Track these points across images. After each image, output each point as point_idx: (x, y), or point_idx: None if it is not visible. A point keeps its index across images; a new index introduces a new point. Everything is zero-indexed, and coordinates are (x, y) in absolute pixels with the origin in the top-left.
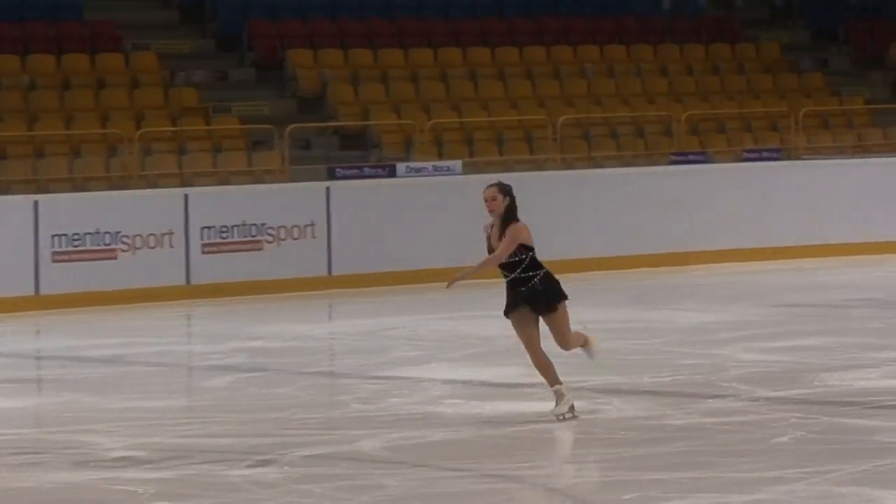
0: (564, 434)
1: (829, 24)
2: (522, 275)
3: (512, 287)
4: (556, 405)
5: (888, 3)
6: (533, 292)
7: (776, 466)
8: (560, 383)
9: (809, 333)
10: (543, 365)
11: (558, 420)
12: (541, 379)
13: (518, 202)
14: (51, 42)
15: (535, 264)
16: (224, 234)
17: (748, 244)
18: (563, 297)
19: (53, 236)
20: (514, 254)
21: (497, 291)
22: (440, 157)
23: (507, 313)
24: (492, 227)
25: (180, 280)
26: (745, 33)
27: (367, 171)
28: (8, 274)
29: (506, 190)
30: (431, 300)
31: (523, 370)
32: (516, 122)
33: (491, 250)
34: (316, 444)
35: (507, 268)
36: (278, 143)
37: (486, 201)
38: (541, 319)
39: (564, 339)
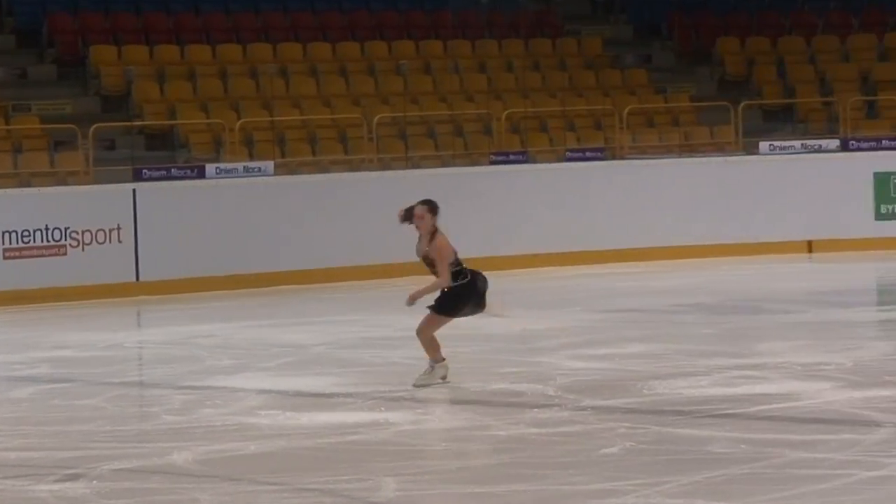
0: (384, 446)
1: (652, 19)
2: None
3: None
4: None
5: None
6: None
7: (605, 478)
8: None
9: (637, 340)
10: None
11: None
12: (358, 388)
13: (332, 204)
14: None
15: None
16: (26, 239)
17: (572, 247)
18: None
19: None
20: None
21: (302, 299)
22: (251, 157)
23: (451, 314)
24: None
25: None
26: (565, 28)
27: (174, 172)
28: None
29: (434, 209)
30: (244, 307)
31: (339, 379)
32: (330, 120)
33: (423, 256)
34: (126, 457)
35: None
36: (82, 144)
37: (415, 219)
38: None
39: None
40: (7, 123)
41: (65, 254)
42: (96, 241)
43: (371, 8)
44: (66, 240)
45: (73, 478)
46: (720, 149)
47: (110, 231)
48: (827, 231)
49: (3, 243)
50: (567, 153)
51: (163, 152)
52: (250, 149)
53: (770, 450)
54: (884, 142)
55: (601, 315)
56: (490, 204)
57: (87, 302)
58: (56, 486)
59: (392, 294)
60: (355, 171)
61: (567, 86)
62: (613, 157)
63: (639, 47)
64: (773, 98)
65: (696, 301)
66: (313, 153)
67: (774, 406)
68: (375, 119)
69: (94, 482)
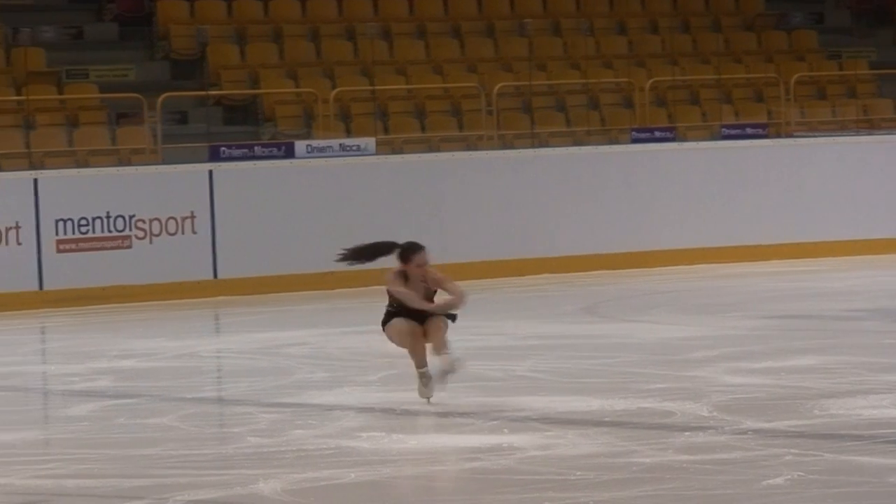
0: (508, 475)
1: None
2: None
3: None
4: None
5: None
6: None
7: None
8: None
9: (807, 351)
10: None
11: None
12: (476, 407)
13: (444, 189)
14: None
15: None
16: (84, 229)
17: (727, 241)
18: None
19: None
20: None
21: None
22: (348, 133)
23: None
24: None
25: (31, 285)
26: None
27: (258, 150)
28: None
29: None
30: (340, 310)
31: (457, 395)
32: (441, 90)
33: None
34: (203, 486)
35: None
36: (148, 117)
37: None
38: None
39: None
40: (60, 92)
41: (129, 246)
42: (166, 231)
43: None
44: (130, 230)
45: None
46: None
47: (183, 220)
48: None
49: (57, 234)
50: (722, 129)
51: (244, 127)
52: (347, 123)
53: None
54: None
55: (764, 322)
56: (631, 190)
57: (155, 303)
58: None
59: (516, 297)
60: (471, 150)
61: (723, 50)
62: (778, 135)
63: (809, 4)
64: None
65: (877, 305)
66: (422, 129)
67: None
68: (495, 89)
69: None
